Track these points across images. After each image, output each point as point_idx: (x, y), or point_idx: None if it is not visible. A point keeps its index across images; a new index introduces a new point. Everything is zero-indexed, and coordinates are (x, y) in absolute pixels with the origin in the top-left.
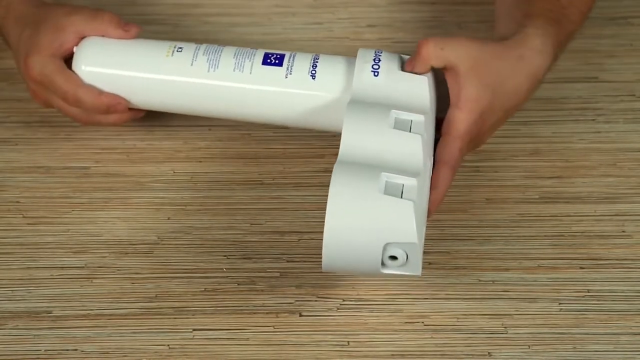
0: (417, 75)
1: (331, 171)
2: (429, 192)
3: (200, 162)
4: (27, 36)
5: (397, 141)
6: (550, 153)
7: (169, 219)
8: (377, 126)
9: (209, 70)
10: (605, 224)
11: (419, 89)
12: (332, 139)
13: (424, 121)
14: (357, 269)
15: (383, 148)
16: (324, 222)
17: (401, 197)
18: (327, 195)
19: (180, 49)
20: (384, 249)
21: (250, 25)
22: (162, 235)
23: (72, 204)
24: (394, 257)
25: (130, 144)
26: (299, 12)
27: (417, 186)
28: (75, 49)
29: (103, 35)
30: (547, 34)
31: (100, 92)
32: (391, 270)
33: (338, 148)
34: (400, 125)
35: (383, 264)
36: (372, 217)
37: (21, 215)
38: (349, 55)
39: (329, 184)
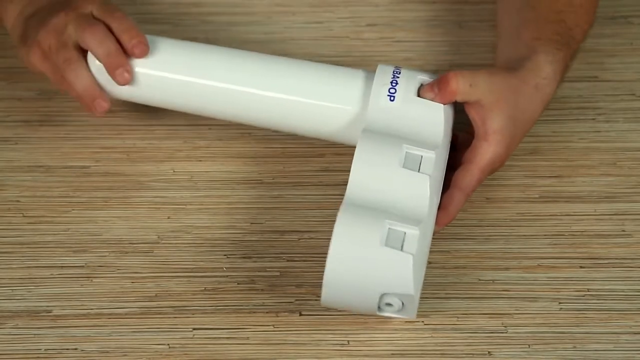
0: (434, 103)
1: (331, 171)
2: (433, 226)
3: (200, 161)
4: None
5: (405, 183)
6: (550, 152)
7: (168, 218)
8: (387, 163)
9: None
10: (605, 223)
11: (434, 118)
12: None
13: (434, 158)
14: (354, 309)
15: (391, 188)
16: (324, 221)
17: (401, 249)
18: (327, 195)
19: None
20: (381, 297)
21: (250, 24)
22: (162, 234)
23: (72, 203)
24: (389, 304)
25: (130, 143)
26: (299, 11)
27: (418, 235)
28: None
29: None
30: (557, 60)
31: (94, 84)
32: (387, 313)
33: (338, 148)
34: (410, 162)
35: (379, 307)
36: (371, 266)
37: (21, 215)
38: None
39: (334, 224)
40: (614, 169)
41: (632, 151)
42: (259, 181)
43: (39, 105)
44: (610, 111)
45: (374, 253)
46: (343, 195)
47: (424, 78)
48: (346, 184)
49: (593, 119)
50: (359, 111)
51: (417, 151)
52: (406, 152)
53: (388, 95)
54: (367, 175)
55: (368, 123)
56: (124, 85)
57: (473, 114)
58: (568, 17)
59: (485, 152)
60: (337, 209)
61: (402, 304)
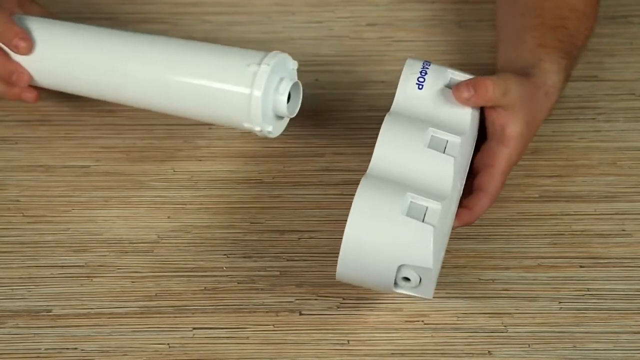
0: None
1: (331, 170)
2: (454, 214)
3: (200, 160)
4: None
5: (429, 161)
6: (551, 152)
7: (169, 217)
8: (412, 142)
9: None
10: (605, 222)
11: (462, 108)
12: (332, 138)
13: (459, 143)
14: (369, 283)
15: (414, 166)
16: (324, 220)
17: (423, 221)
18: (327, 194)
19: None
20: (398, 269)
21: (250, 23)
22: (162, 234)
23: (72, 202)
24: (407, 279)
25: (130, 142)
26: (299, 11)
27: (440, 210)
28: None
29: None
30: (561, 69)
31: (10, 59)
32: (403, 290)
33: (337, 147)
34: (435, 144)
35: (396, 283)
36: (390, 236)
37: (21, 214)
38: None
39: (354, 193)
40: (614, 168)
41: (632, 151)
42: (259, 181)
43: (39, 104)
44: (610, 111)
45: (394, 222)
46: (343, 194)
47: (454, 72)
48: (346, 184)
49: (593, 118)
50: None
51: (443, 135)
52: (432, 135)
53: (417, 84)
54: (391, 152)
55: (394, 109)
56: (26, 54)
57: (494, 118)
58: (570, 24)
59: (504, 156)
60: (338, 209)
61: (420, 280)
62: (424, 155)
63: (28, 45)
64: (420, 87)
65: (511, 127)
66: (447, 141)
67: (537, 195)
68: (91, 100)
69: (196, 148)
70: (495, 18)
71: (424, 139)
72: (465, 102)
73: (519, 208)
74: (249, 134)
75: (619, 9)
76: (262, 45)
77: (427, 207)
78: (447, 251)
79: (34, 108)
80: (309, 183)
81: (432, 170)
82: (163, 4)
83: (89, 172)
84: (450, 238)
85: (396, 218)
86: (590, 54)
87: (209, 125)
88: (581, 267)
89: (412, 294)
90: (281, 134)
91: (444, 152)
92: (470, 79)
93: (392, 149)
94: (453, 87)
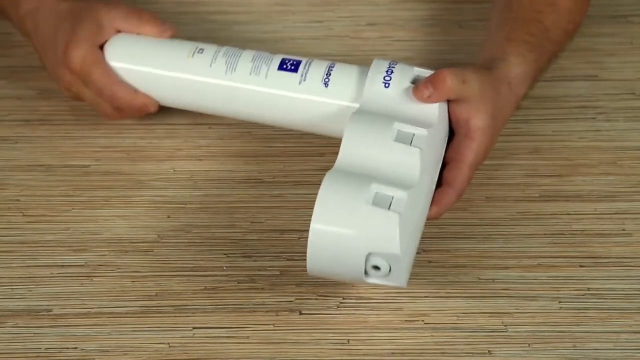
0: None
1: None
2: (427, 208)
3: (200, 160)
4: (66, 28)
5: (395, 153)
6: (550, 151)
7: (169, 217)
8: (378, 137)
9: (226, 73)
10: (605, 222)
11: (429, 105)
12: (332, 137)
13: (426, 135)
14: (340, 275)
15: (381, 159)
16: None
17: (389, 209)
18: None
19: (201, 51)
20: (367, 258)
21: (250, 23)
22: (162, 233)
23: (72, 202)
24: (377, 267)
25: (130, 142)
26: (299, 10)
27: (406, 199)
28: (106, 44)
29: (138, 33)
30: (527, 61)
31: (136, 91)
32: (375, 280)
33: (338, 147)
34: (401, 138)
35: (367, 273)
36: (356, 225)
37: (21, 214)
38: (358, 61)
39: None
40: (614, 168)
41: (632, 150)
42: (259, 180)
43: (39, 104)
44: (610, 110)
45: (359, 212)
46: None
47: (420, 70)
48: None
49: (593, 118)
50: (354, 104)
51: (409, 129)
52: (398, 129)
53: (383, 82)
54: (357, 147)
55: (362, 107)
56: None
57: (458, 112)
58: (547, 18)
59: (471, 150)
60: None
61: (390, 268)
62: (390, 148)
63: (155, 107)
64: (387, 85)
65: (475, 119)
66: (414, 134)
67: (537, 195)
68: None
69: (196, 147)
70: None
71: (390, 133)
72: (427, 100)
73: (518, 207)
74: (249, 134)
75: (619, 9)
76: (262, 44)
77: (392, 197)
78: (447, 251)
79: (34, 108)
80: (309, 182)
81: (399, 161)
82: (165, 4)
83: (89, 171)
84: (450, 237)
85: (361, 208)
86: (591, 54)
87: (209, 124)
88: (581, 266)
89: (384, 283)
90: (281, 134)
91: (410, 144)
92: (429, 76)
93: (358, 143)
94: (413, 89)
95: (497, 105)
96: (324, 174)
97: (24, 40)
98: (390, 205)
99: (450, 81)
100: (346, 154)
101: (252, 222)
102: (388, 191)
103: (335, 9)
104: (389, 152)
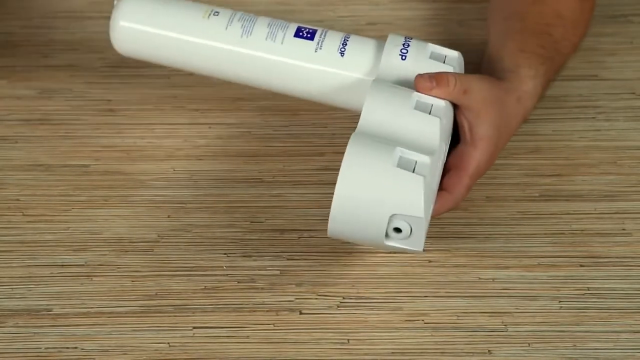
0: (444, 65)
1: (331, 169)
2: (440, 176)
3: (200, 160)
4: None
5: (416, 120)
6: (551, 151)
7: (169, 216)
8: (399, 104)
9: (241, 37)
10: (605, 221)
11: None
12: (332, 137)
13: (444, 106)
14: (360, 237)
15: (401, 125)
16: (324, 219)
17: (413, 172)
18: (327, 193)
19: (217, 13)
20: (390, 220)
21: None
22: (162, 233)
23: (72, 202)
24: (398, 230)
25: (130, 141)
26: (300, 10)
27: (430, 164)
28: (115, 3)
29: None
30: (538, 75)
31: None
32: (394, 242)
33: (338, 147)
34: (420, 108)
35: (387, 235)
36: (381, 187)
37: (21, 213)
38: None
39: (344, 151)
40: (614, 167)
41: (632, 150)
42: (259, 180)
43: (38, 104)
44: (611, 110)
45: (385, 173)
46: None
47: (434, 46)
48: None
49: (593, 117)
50: (370, 76)
51: (428, 99)
52: (417, 99)
53: (400, 55)
54: (378, 112)
55: (379, 76)
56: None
57: (462, 119)
58: (556, 31)
59: (472, 158)
60: None
61: (411, 230)
62: (411, 115)
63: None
64: (404, 57)
65: (478, 128)
66: (432, 105)
67: (537, 195)
68: (91, 99)
69: (196, 147)
70: (487, 19)
71: (410, 102)
72: (427, 92)
73: (519, 207)
74: (249, 133)
75: (619, 8)
76: None
77: (416, 161)
78: (447, 250)
79: (34, 107)
80: (309, 182)
81: (420, 128)
82: None
83: (89, 171)
84: (450, 237)
85: (387, 169)
86: (591, 53)
87: (209, 124)
88: (581, 266)
89: (403, 247)
90: (281, 133)
91: (429, 113)
92: (434, 73)
93: (379, 109)
94: (417, 76)
95: (503, 117)
96: (324, 174)
97: (24, 40)
98: (414, 169)
99: (452, 85)
100: (368, 119)
101: (252, 222)
102: (412, 155)
103: (336, 9)
104: (410, 118)
